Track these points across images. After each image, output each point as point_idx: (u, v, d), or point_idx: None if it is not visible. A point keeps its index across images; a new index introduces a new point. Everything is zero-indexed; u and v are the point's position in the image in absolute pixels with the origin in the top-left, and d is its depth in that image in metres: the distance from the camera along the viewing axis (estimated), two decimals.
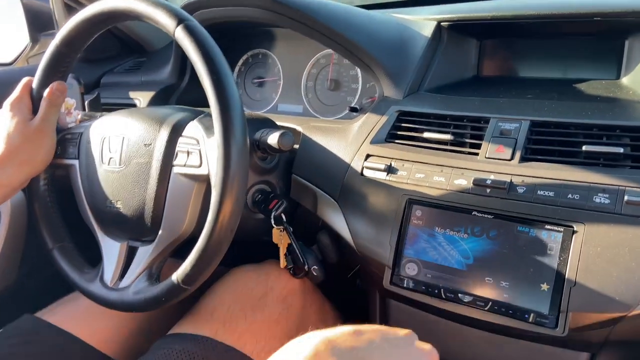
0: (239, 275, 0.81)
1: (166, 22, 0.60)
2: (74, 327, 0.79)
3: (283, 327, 0.75)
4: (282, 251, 0.79)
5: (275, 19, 0.90)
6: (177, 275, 0.63)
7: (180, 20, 0.59)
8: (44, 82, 0.78)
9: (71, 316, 0.81)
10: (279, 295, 0.78)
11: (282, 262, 0.80)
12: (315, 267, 0.79)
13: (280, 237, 0.80)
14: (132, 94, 1.17)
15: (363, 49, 0.86)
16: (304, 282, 0.83)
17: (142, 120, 0.73)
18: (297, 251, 0.79)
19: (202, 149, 0.67)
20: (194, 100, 1.05)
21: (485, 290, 0.64)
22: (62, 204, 0.84)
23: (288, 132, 0.69)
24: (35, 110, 0.78)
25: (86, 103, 1.02)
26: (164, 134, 0.70)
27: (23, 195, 1.08)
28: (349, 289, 1.02)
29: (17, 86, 0.80)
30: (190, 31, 0.58)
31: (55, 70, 0.78)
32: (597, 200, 0.61)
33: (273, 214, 0.77)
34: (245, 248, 0.87)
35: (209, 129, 0.68)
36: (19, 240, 1.12)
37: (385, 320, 0.79)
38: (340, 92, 1.04)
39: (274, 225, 0.78)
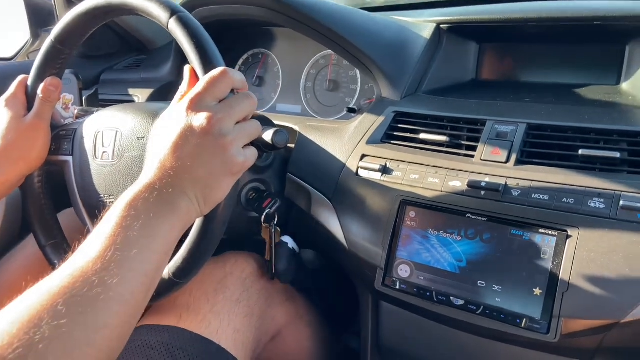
0: None
1: (159, 14, 0.60)
2: None
3: (244, 305, 0.76)
4: (269, 244, 0.79)
5: (275, 18, 0.90)
6: (168, 269, 0.61)
7: (173, 12, 0.59)
8: (39, 79, 0.77)
9: None
10: (238, 278, 0.79)
11: (267, 254, 0.80)
12: (282, 275, 0.80)
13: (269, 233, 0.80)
14: (131, 91, 1.17)
15: (361, 50, 0.85)
16: (266, 266, 0.83)
17: (135, 114, 0.73)
18: (272, 251, 0.79)
19: None
20: None
21: (478, 294, 0.63)
22: (56, 201, 0.84)
23: (282, 130, 0.68)
24: (30, 107, 0.77)
25: (84, 99, 1.02)
26: (157, 126, 0.70)
27: (18, 191, 1.08)
28: (339, 292, 1.01)
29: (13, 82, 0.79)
30: (184, 23, 0.58)
31: (51, 66, 0.77)
32: (592, 204, 0.60)
33: (266, 211, 0.77)
34: (237, 247, 0.86)
35: None
36: (13, 235, 1.11)
37: (376, 323, 0.78)
38: (339, 92, 1.03)
39: (263, 223, 0.78)
